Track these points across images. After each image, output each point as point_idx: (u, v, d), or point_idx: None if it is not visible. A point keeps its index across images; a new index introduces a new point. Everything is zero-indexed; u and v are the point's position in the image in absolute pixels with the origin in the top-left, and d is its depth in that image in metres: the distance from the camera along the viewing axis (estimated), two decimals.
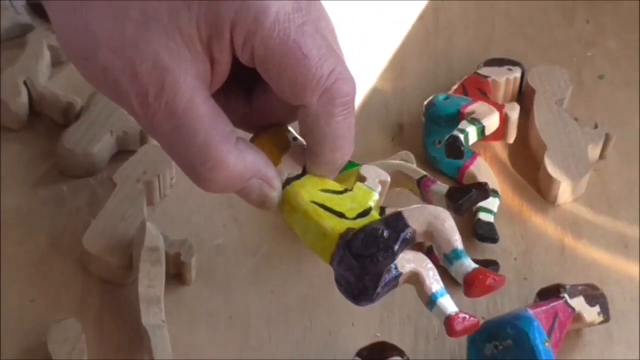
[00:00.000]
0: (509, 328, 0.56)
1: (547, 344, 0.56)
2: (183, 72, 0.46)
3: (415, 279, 0.50)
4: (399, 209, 0.50)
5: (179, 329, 0.61)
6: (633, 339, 0.62)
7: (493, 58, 0.74)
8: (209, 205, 0.68)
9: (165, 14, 0.46)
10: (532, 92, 0.72)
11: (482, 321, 0.59)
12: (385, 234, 0.48)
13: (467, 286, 0.48)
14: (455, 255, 0.49)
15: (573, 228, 0.68)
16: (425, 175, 0.62)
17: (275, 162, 0.52)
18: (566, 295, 0.59)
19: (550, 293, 0.60)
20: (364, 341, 0.58)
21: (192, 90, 0.47)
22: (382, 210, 0.65)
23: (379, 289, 0.48)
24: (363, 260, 0.47)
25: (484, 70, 0.73)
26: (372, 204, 0.51)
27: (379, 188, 0.52)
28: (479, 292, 0.49)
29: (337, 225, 0.49)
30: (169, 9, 0.46)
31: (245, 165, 0.49)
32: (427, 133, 0.70)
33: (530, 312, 0.57)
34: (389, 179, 0.53)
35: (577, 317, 0.59)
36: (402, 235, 0.48)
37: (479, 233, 0.66)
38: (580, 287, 0.60)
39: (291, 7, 0.47)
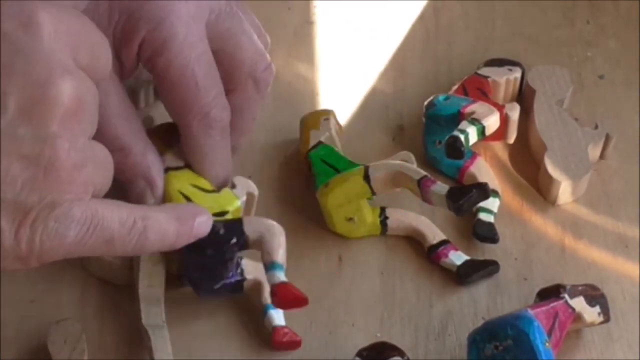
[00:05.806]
0: (509, 328, 0.56)
1: (547, 344, 0.56)
2: None
3: (257, 287, 0.59)
4: (242, 217, 0.57)
5: (180, 329, 0.61)
6: (633, 339, 0.62)
7: (493, 58, 0.74)
8: None
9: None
10: (532, 92, 0.72)
11: (482, 321, 0.59)
12: (222, 232, 0.55)
13: (273, 295, 0.55)
14: (272, 266, 0.55)
15: (573, 228, 0.68)
16: (425, 176, 0.62)
17: (162, 152, 0.59)
18: (566, 296, 0.59)
19: (550, 293, 0.59)
20: (364, 341, 0.58)
21: (107, 83, 0.54)
22: (382, 210, 0.65)
23: (218, 285, 0.57)
24: (198, 252, 0.55)
25: (484, 71, 0.73)
26: (230, 209, 0.58)
27: (244, 198, 0.59)
28: (280, 304, 0.55)
29: None
30: (92, 14, 0.53)
31: (143, 157, 0.57)
32: (428, 133, 0.70)
33: (531, 312, 0.57)
34: (256, 193, 0.60)
35: (578, 317, 0.59)
36: (235, 237, 0.55)
37: (479, 233, 0.66)
38: (580, 288, 0.60)
39: (196, 37, 0.56)
